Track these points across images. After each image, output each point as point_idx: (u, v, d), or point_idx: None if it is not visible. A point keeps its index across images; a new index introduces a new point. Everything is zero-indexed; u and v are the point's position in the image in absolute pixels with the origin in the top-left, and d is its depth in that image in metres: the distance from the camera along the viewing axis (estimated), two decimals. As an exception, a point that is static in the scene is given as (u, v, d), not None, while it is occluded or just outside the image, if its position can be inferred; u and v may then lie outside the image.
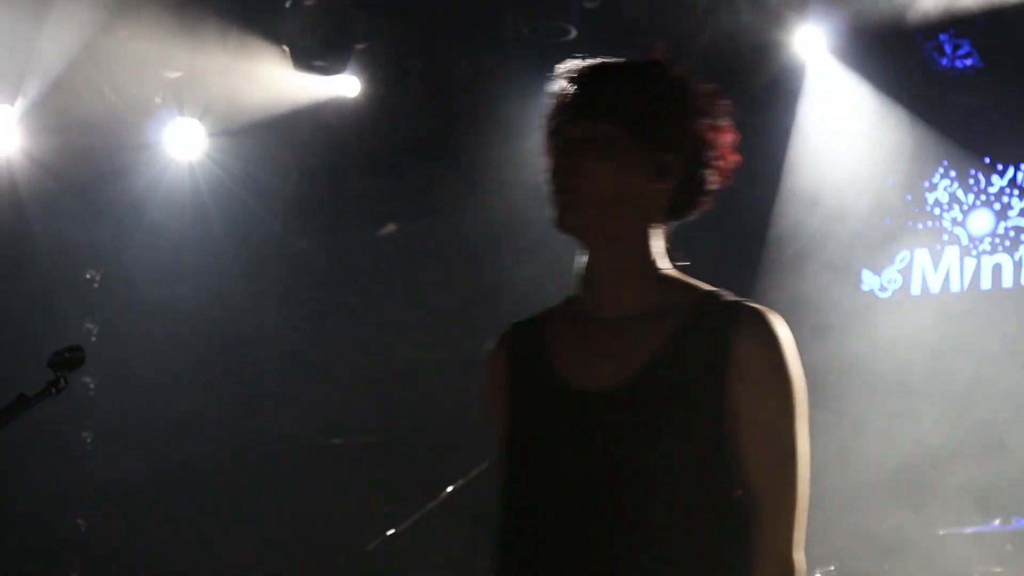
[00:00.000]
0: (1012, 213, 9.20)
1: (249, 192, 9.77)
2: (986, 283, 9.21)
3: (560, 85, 3.06)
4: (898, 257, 9.44)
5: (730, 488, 2.86)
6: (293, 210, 10.24)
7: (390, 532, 7.36)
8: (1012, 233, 9.19)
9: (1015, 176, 9.24)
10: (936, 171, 9.44)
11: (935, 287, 9.35)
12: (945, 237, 9.39)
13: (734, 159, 3.05)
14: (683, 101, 3.00)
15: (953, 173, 9.41)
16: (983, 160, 9.34)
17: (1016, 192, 9.21)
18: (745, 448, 2.85)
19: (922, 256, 9.43)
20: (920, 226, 9.45)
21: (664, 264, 3.02)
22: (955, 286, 9.31)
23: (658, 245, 3.02)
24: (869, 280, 9.49)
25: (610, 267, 2.99)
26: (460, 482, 7.27)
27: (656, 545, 2.81)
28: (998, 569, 7.49)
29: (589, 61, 3.06)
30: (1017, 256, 9.12)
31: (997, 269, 9.20)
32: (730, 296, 2.96)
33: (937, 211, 9.43)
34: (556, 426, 2.92)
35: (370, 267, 10.41)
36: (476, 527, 8.04)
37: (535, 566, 2.90)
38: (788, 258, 8.70)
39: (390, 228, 10.51)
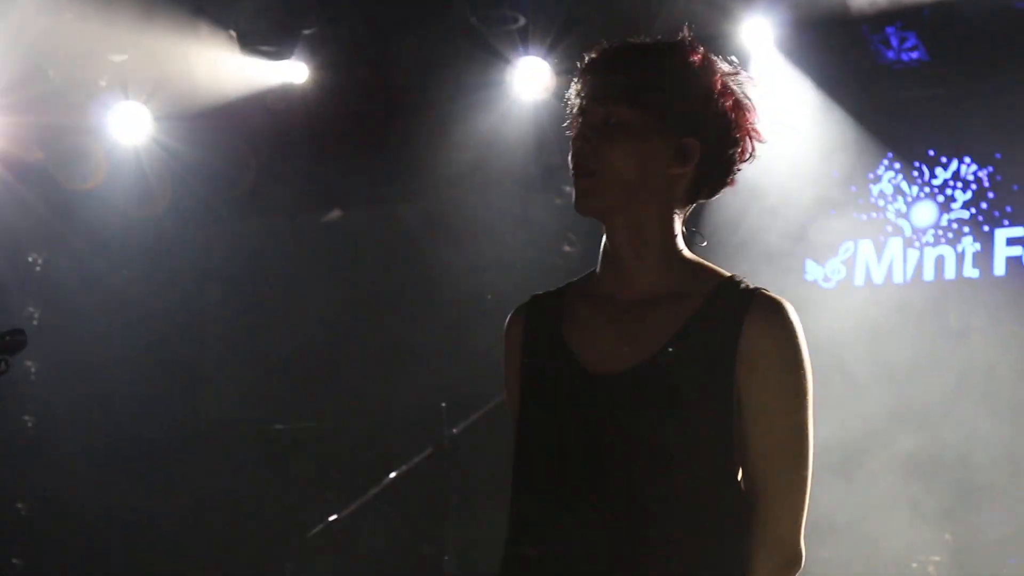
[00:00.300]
0: (955, 206, 9.26)
1: (195, 176, 9.71)
2: (929, 274, 9.27)
3: (583, 69, 3.06)
4: (842, 248, 9.49)
5: (736, 472, 2.90)
6: (239, 195, 10.20)
7: (332, 518, 7.35)
8: (955, 225, 9.25)
9: (959, 169, 9.30)
10: (881, 163, 9.48)
11: (879, 278, 9.40)
12: (889, 229, 9.43)
13: (758, 138, 3.08)
14: (703, 83, 3.00)
15: (897, 165, 9.46)
16: (927, 153, 9.39)
17: (959, 185, 9.27)
18: (751, 434, 2.90)
19: (866, 247, 9.47)
20: (864, 217, 9.50)
21: (683, 247, 3.05)
22: (898, 277, 9.36)
23: (678, 228, 3.04)
24: (813, 271, 9.54)
25: (631, 249, 3.00)
26: (402, 468, 7.26)
27: (661, 524, 2.84)
28: (936, 558, 7.55)
29: (611, 44, 3.07)
30: (960, 248, 9.18)
31: (940, 261, 9.26)
32: (748, 283, 2.99)
33: (881, 203, 9.48)
34: (570, 404, 2.95)
35: (314, 253, 10.38)
36: (418, 513, 8.07)
37: (546, 542, 2.91)
38: (729, 248, 8.71)
39: (335, 214, 10.48)
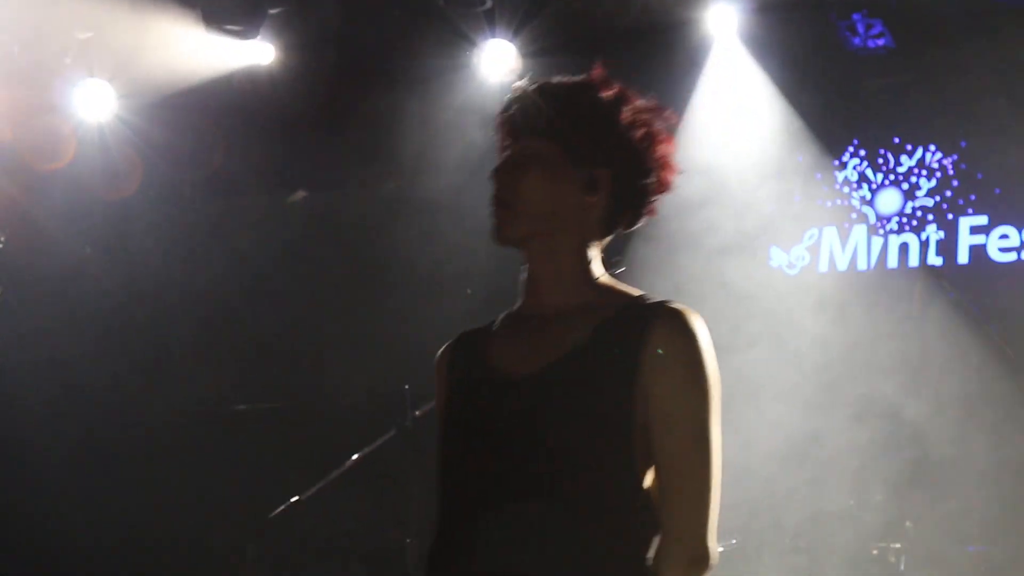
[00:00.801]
0: (920, 193, 9.29)
1: (159, 155, 9.67)
2: (892, 262, 9.31)
3: (503, 104, 3.19)
4: (806, 235, 9.52)
5: (640, 473, 2.96)
6: (203, 175, 10.16)
7: (294, 499, 7.34)
8: (919, 213, 9.29)
9: (923, 156, 9.33)
10: (846, 150, 9.52)
11: (843, 265, 9.44)
12: (853, 216, 9.47)
13: (672, 171, 3.17)
14: (613, 118, 3.10)
15: (863, 152, 9.49)
16: (892, 140, 9.43)
17: (924, 172, 9.30)
18: (657, 436, 2.95)
19: (830, 234, 9.51)
20: (829, 204, 9.53)
21: (600, 271, 3.14)
22: (862, 264, 9.40)
23: (594, 254, 3.14)
24: (778, 257, 9.56)
25: (547, 275, 3.11)
26: (365, 450, 7.25)
27: (562, 521, 2.90)
28: (896, 545, 7.57)
29: (529, 81, 3.17)
30: (924, 236, 9.21)
31: (904, 248, 9.30)
32: (656, 298, 3.07)
33: (846, 190, 9.51)
34: (481, 406, 3.06)
35: (280, 234, 10.35)
36: (380, 495, 8.06)
37: (459, 538, 2.99)
38: (693, 235, 8.72)
39: (299, 195, 10.46)
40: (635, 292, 3.12)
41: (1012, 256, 9.00)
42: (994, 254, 9.05)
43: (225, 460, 9.63)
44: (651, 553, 2.94)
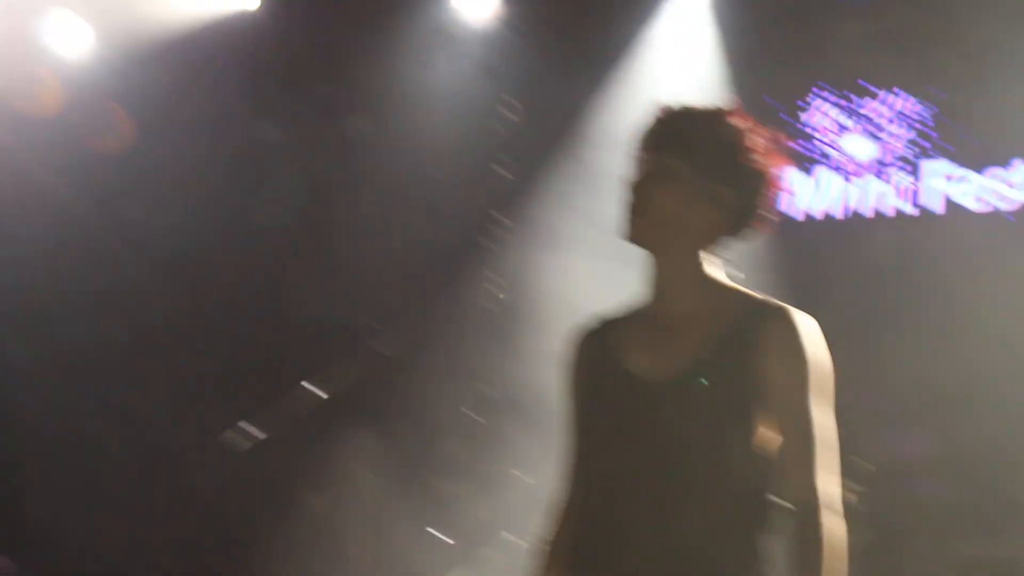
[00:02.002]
0: (887, 138, 9.31)
1: (143, 102, 9.68)
2: (858, 206, 9.33)
3: (647, 122, 3.62)
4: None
5: (761, 453, 3.43)
6: (186, 119, 10.15)
7: (240, 424, 7.34)
8: (887, 158, 9.31)
9: (893, 101, 9.35)
10: (812, 92, 9.53)
11: (808, 208, 9.46)
12: (819, 159, 9.49)
13: (783, 193, 3.65)
14: (740, 145, 3.55)
15: (830, 95, 9.51)
16: (859, 83, 9.44)
17: (890, 117, 9.32)
18: (778, 423, 3.43)
19: (798, 178, 9.53)
20: (795, 147, 9.55)
21: (720, 276, 3.60)
22: (831, 209, 9.42)
23: (714, 261, 3.60)
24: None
25: (670, 277, 3.59)
26: (313, 378, 7.26)
27: (688, 507, 3.39)
28: (857, 487, 7.62)
29: (671, 103, 3.64)
30: (889, 180, 9.24)
31: (869, 192, 9.32)
32: (776, 303, 3.52)
33: (811, 132, 9.53)
34: (622, 409, 3.52)
35: (260, 175, 10.33)
36: (345, 426, 8.11)
37: (605, 531, 3.49)
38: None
39: (272, 135, 10.40)
40: (754, 296, 3.56)
41: (981, 203, 9.03)
42: (963, 200, 9.07)
43: (181, 389, 9.62)
44: (771, 520, 3.43)
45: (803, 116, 9.53)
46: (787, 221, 9.43)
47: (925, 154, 9.20)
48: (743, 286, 3.60)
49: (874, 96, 9.40)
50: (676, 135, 3.57)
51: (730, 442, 3.42)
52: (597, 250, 6.57)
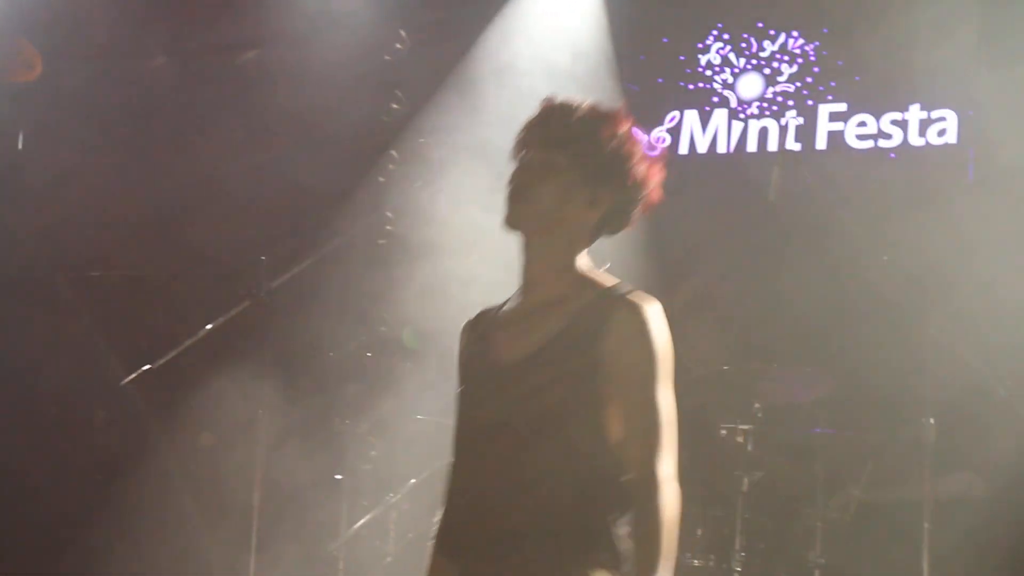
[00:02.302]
0: (781, 79, 9.36)
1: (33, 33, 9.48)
2: (752, 146, 9.39)
3: (536, 112, 3.83)
4: (668, 117, 9.56)
5: (605, 431, 3.61)
6: (75, 40, 9.94)
7: (146, 367, 7.25)
8: (780, 98, 9.36)
9: (786, 42, 9.40)
10: (710, 34, 9.55)
11: (702, 147, 9.50)
12: (715, 99, 9.52)
13: (658, 195, 3.83)
14: (623, 153, 3.75)
15: (726, 36, 9.53)
16: (756, 25, 9.47)
17: (786, 58, 9.37)
18: (618, 400, 3.60)
19: (691, 117, 9.56)
20: (691, 87, 9.57)
21: (585, 266, 3.80)
22: (722, 147, 9.47)
23: (581, 252, 3.81)
24: (639, 137, 9.57)
25: (540, 266, 3.80)
26: (219, 320, 7.18)
27: (539, 478, 3.58)
28: (745, 426, 7.67)
29: (563, 99, 3.82)
30: (783, 121, 9.29)
31: (763, 132, 9.38)
32: (625, 288, 3.72)
33: (709, 73, 9.56)
34: (480, 392, 3.78)
35: (154, 100, 10.15)
36: (234, 366, 8.02)
37: (459, 493, 3.75)
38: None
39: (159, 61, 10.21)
40: (608, 283, 3.75)
41: (869, 143, 9.11)
42: (852, 141, 9.15)
43: (79, 327, 9.49)
44: (615, 496, 3.60)
45: (700, 58, 9.55)
46: (677, 157, 9.48)
47: (819, 97, 9.26)
48: (607, 274, 3.81)
49: (772, 39, 9.42)
50: (564, 134, 3.74)
51: (574, 422, 3.60)
52: (483, 182, 6.53)
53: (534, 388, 3.63)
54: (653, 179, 3.80)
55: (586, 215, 3.78)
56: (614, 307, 3.65)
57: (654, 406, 3.60)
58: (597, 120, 3.80)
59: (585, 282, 3.77)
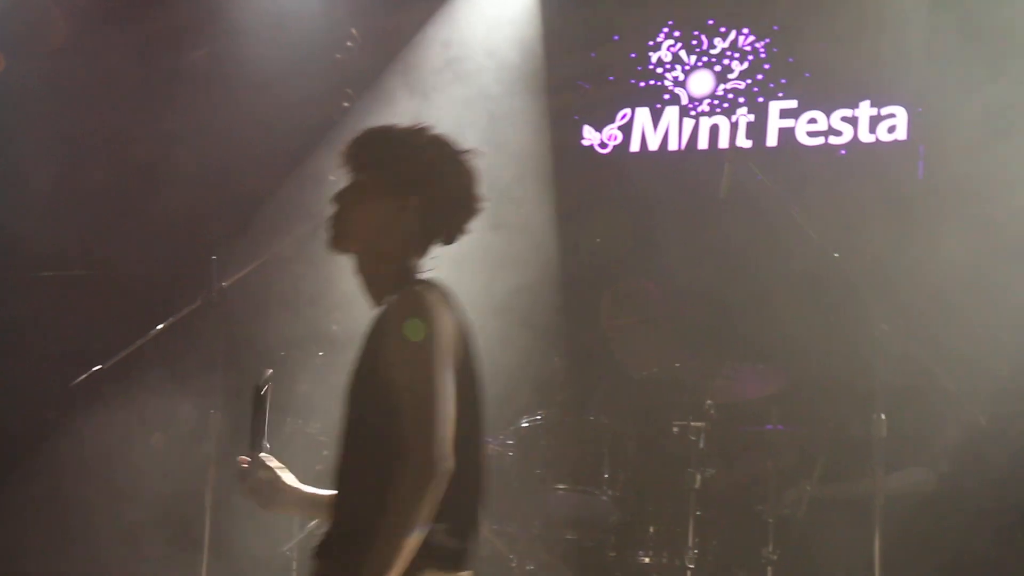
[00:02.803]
0: (732, 76, 9.38)
1: None
2: (703, 143, 9.40)
3: (345, 143, 4.04)
4: (619, 114, 9.57)
5: (395, 416, 3.72)
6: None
7: (96, 368, 7.21)
8: (730, 95, 9.38)
9: (736, 39, 9.42)
10: (661, 31, 9.56)
11: (654, 145, 9.51)
12: (666, 96, 9.53)
13: (475, 200, 4.03)
14: (428, 157, 3.99)
15: (677, 33, 9.54)
16: (707, 22, 9.49)
17: (736, 55, 9.39)
18: (394, 381, 3.74)
19: (642, 114, 9.57)
20: (642, 84, 9.58)
21: (408, 272, 3.98)
22: (673, 145, 9.48)
23: (405, 259, 4.00)
24: (590, 135, 9.60)
25: (364, 275, 4.01)
26: (169, 320, 7.15)
27: (349, 464, 3.88)
28: (697, 424, 7.68)
29: (366, 127, 4.06)
30: (734, 118, 9.31)
31: (714, 130, 9.39)
32: (405, 288, 3.85)
33: (660, 70, 9.57)
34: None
35: (103, 87, 10.07)
36: (186, 366, 7.98)
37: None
38: (502, 110, 8.71)
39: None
40: (412, 284, 3.90)
41: (819, 140, 9.14)
42: (802, 138, 9.18)
43: (29, 328, 9.42)
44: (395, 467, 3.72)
45: (651, 55, 9.56)
46: (628, 155, 9.49)
47: (769, 94, 9.28)
48: (427, 279, 3.96)
49: (723, 36, 9.44)
50: (367, 153, 4.00)
51: (370, 417, 3.80)
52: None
53: (350, 393, 3.88)
54: (463, 179, 4.03)
55: (402, 226, 3.97)
56: (390, 304, 3.84)
57: (424, 389, 3.69)
58: (400, 134, 4.04)
59: (402, 284, 3.91)
